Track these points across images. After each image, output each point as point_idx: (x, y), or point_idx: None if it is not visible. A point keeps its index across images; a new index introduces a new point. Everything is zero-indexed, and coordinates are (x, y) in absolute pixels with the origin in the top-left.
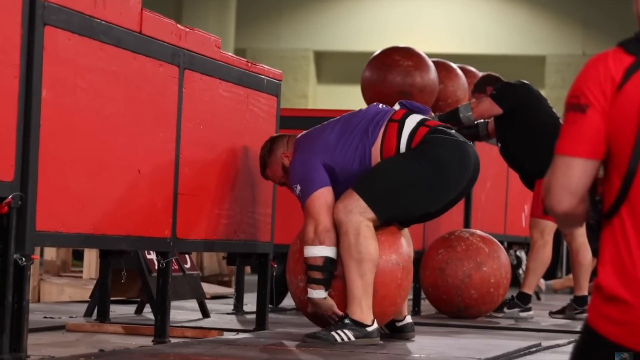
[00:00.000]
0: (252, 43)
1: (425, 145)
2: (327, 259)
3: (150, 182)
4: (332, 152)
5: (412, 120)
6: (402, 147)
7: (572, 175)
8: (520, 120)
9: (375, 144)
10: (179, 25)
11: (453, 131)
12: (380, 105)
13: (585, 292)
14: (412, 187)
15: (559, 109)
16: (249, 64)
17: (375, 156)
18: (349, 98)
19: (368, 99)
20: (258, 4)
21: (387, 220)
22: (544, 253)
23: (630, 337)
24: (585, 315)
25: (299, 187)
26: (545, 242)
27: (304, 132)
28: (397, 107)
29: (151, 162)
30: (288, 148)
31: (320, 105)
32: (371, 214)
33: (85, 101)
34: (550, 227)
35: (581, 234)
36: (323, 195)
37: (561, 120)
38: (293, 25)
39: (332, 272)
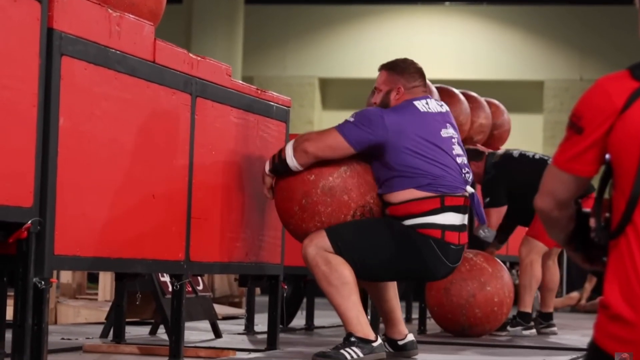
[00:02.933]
0: (259, 71)
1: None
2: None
3: (165, 206)
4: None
5: (449, 218)
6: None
7: (557, 185)
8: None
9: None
10: (191, 55)
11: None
12: (464, 173)
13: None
14: (375, 250)
15: (557, 133)
16: (259, 92)
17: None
18: None
19: None
20: (265, 33)
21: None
22: (532, 270)
23: (637, 356)
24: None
25: (351, 118)
26: (532, 260)
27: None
28: (469, 190)
29: (165, 187)
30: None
31: None
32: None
33: (101, 129)
34: (539, 247)
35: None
36: (340, 138)
37: (549, 160)
38: (299, 54)
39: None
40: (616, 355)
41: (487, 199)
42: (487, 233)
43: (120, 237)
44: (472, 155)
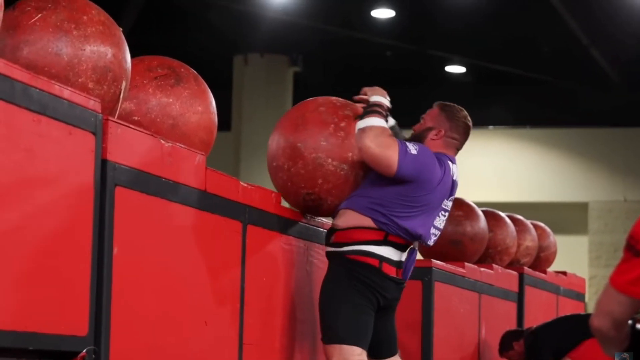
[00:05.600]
0: None
1: None
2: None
3: (217, 332)
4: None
5: (386, 252)
6: (348, 248)
7: (615, 306)
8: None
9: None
10: (241, 183)
11: None
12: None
13: None
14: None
15: (602, 254)
16: (308, 217)
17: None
18: None
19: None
20: None
21: None
22: None
23: None
24: None
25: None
26: None
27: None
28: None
29: (217, 314)
30: None
31: None
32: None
33: (154, 257)
34: None
35: None
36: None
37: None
38: None
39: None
40: (616, 356)
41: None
42: None
43: None
44: (512, 336)
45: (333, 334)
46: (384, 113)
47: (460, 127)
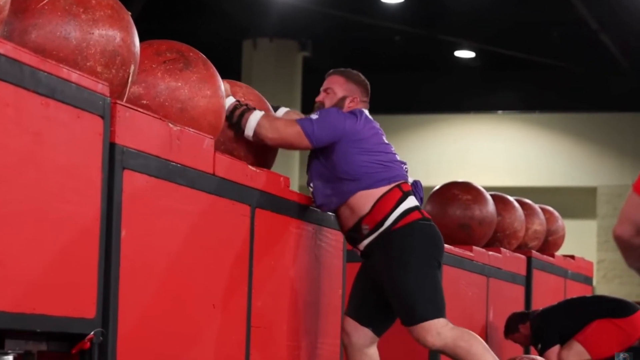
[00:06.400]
0: None
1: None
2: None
3: (225, 316)
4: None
5: (411, 201)
6: (389, 221)
7: (636, 211)
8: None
9: (368, 192)
10: (249, 167)
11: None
12: (404, 166)
13: None
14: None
15: (610, 238)
16: None
17: (358, 198)
18: None
19: None
20: None
21: None
22: None
23: None
24: None
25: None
26: None
27: None
28: (410, 180)
29: (225, 297)
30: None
31: None
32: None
33: (162, 240)
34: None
35: None
36: (302, 135)
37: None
38: None
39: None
40: (616, 356)
41: (539, 346)
42: None
43: (182, 347)
44: (518, 318)
45: (424, 310)
46: (250, 105)
47: (366, 89)
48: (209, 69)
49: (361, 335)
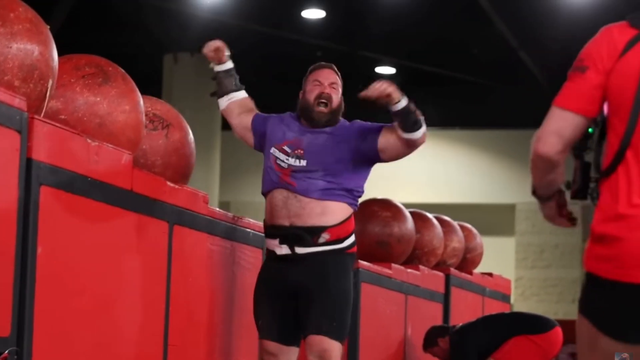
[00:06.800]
0: (235, 196)
1: None
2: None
3: (142, 333)
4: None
5: None
6: (347, 242)
7: (562, 123)
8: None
9: (348, 207)
10: (168, 183)
11: None
12: None
13: None
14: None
15: (529, 255)
16: (235, 219)
17: (339, 207)
18: None
19: None
20: (241, 159)
21: None
22: None
23: (615, 270)
24: None
25: None
26: None
27: None
28: None
29: (142, 315)
30: None
31: None
32: None
33: (79, 257)
34: None
35: None
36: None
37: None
38: None
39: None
40: (616, 355)
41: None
42: None
43: None
44: (438, 332)
45: (344, 332)
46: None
47: None
48: (128, 84)
49: (288, 354)
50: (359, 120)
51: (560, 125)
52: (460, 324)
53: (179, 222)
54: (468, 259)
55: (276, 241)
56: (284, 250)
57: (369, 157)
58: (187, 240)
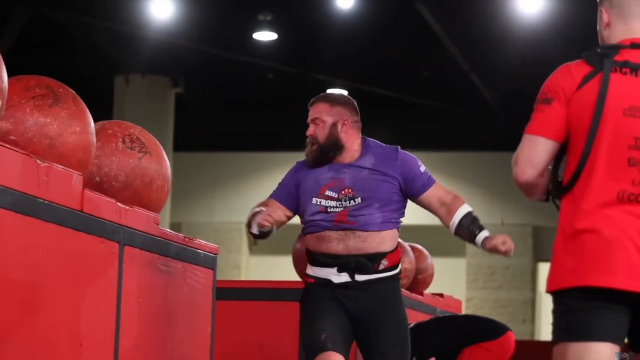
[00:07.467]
0: (187, 217)
1: None
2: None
3: (92, 354)
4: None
5: None
6: (399, 267)
7: (536, 150)
8: None
9: (397, 234)
10: (119, 204)
11: None
12: None
13: None
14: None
15: (479, 276)
16: (186, 240)
17: (392, 234)
18: (281, 269)
19: (299, 270)
20: (193, 180)
21: None
22: None
23: (559, 282)
24: None
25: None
26: None
27: None
28: None
29: (92, 336)
30: None
31: (252, 276)
32: None
33: (28, 278)
34: None
35: None
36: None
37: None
38: (226, 200)
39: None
40: (616, 355)
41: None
42: None
43: None
44: None
45: (406, 357)
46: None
47: (354, 108)
48: (78, 105)
49: None
50: (399, 151)
51: (533, 153)
52: (414, 323)
53: (129, 243)
54: (419, 280)
55: (333, 269)
56: (342, 278)
57: (409, 197)
58: (138, 261)
